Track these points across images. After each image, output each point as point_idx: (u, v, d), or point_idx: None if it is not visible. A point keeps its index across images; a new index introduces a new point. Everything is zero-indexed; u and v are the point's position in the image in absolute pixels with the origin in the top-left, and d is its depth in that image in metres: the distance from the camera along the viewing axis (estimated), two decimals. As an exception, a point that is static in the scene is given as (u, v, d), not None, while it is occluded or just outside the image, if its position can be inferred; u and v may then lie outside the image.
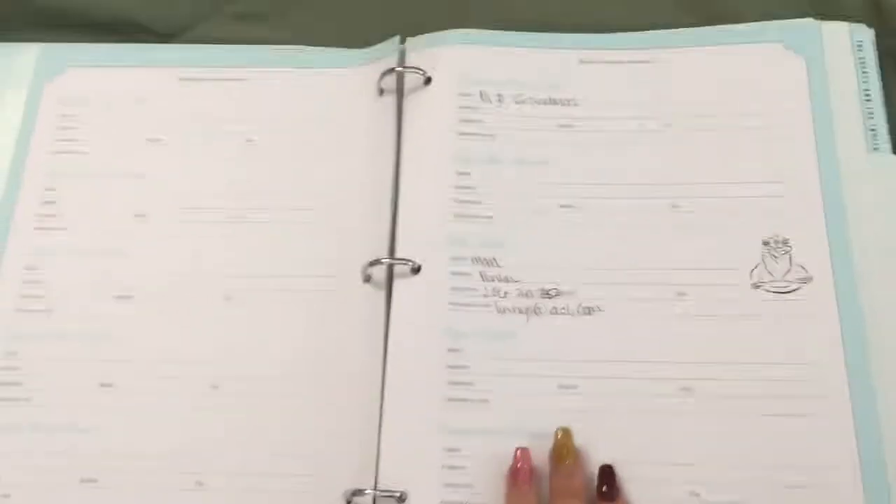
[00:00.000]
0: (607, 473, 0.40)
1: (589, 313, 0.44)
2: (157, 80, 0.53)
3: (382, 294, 0.45)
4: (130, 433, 0.44)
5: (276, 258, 0.48)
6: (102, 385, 0.45)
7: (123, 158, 0.51)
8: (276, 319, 0.46)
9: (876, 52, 0.49)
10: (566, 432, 0.41)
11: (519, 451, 0.40)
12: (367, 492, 0.41)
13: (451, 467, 0.42)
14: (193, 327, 0.46)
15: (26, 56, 0.53)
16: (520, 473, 0.40)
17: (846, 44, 0.49)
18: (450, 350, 0.44)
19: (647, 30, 0.51)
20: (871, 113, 0.47)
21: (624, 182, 0.47)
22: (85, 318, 0.47)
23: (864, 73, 0.48)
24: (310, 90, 0.52)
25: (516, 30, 0.51)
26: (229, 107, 0.52)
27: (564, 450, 0.40)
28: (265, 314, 0.46)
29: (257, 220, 0.49)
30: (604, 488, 0.40)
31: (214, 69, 0.53)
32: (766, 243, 0.44)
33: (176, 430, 0.44)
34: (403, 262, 0.45)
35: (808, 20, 0.49)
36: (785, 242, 0.44)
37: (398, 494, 0.41)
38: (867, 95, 0.47)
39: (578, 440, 0.41)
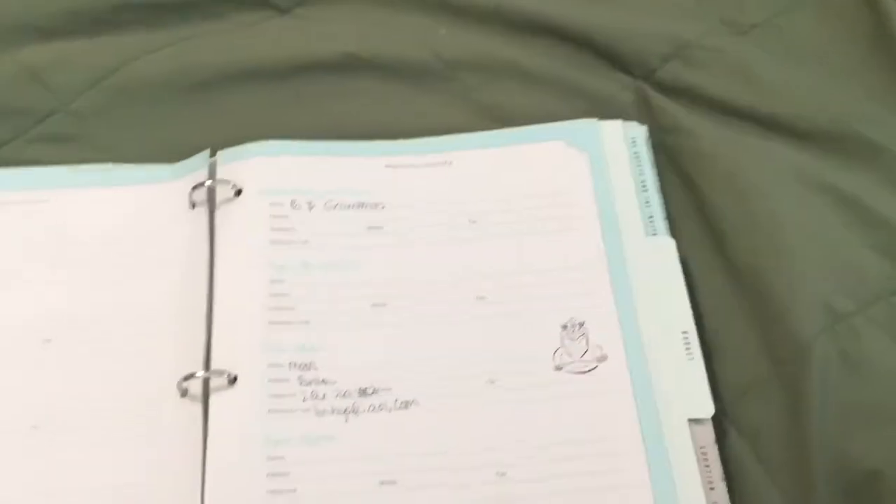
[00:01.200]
0: None
1: (406, 408, 0.46)
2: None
3: (199, 408, 0.45)
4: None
5: (88, 383, 0.47)
6: None
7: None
8: (91, 445, 0.45)
9: (649, 147, 0.54)
10: None
11: None
12: None
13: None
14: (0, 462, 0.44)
15: None
16: None
17: (622, 140, 0.54)
18: (269, 458, 0.44)
19: (445, 134, 0.54)
20: (648, 201, 0.52)
21: (431, 278, 0.49)
22: None
23: (639, 165, 0.53)
24: (119, 208, 0.52)
25: (325, 139, 0.53)
26: (31, 229, 0.51)
27: None
28: (77, 442, 0.45)
29: (67, 346, 0.48)
30: None
31: (15, 192, 0.52)
32: (564, 327, 0.48)
33: None
34: (218, 373, 0.45)
35: (588, 120, 0.54)
36: (581, 325, 0.48)
37: None
38: (644, 186, 0.52)
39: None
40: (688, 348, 0.47)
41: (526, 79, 0.57)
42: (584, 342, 0.47)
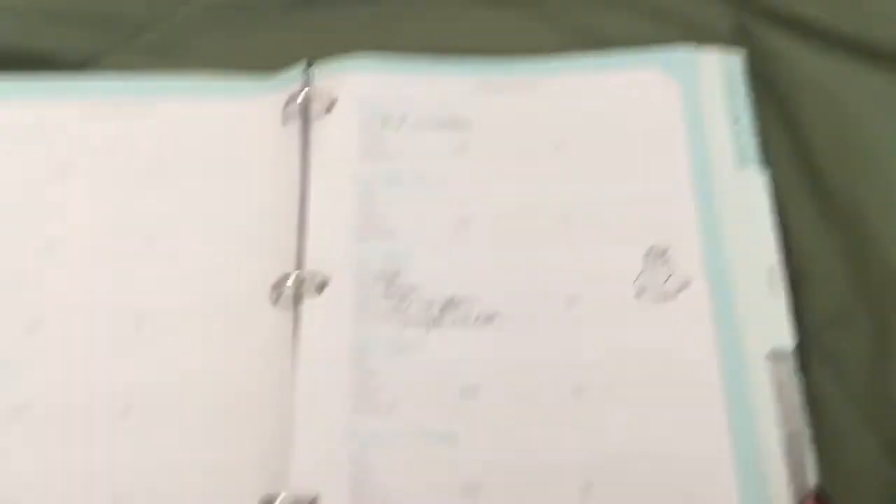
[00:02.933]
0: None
1: (488, 322, 0.47)
2: (61, 112, 0.53)
3: (290, 314, 0.47)
4: (43, 457, 0.45)
5: (186, 283, 0.49)
6: (14, 411, 0.46)
7: (28, 190, 0.51)
8: (187, 343, 0.47)
9: (744, 76, 0.53)
10: None
11: None
12: (280, 497, 0.43)
13: (360, 470, 0.43)
14: (103, 354, 0.47)
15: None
16: None
17: (718, 69, 0.53)
18: (356, 362, 0.46)
19: (533, 55, 0.54)
20: (740, 133, 0.51)
21: (516, 199, 0.50)
22: (-7, 345, 0.47)
23: (733, 96, 0.52)
24: (216, 118, 0.53)
25: (415, 56, 0.54)
26: (134, 138, 0.53)
27: None
28: (175, 338, 0.48)
29: (166, 247, 0.50)
30: None
31: (118, 101, 0.54)
32: (647, 253, 0.48)
33: (89, 453, 0.45)
34: (309, 280, 0.47)
35: (684, 47, 0.53)
36: (664, 252, 0.48)
37: (310, 498, 0.43)
38: (737, 117, 0.51)
39: (482, 439, 0.44)
40: (772, 282, 0.47)
41: (621, 2, 0.57)
42: (666, 269, 0.47)
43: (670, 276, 0.47)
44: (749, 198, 0.49)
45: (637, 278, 0.47)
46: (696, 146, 0.50)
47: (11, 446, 0.45)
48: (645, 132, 0.51)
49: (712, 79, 0.53)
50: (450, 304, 0.47)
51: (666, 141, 0.51)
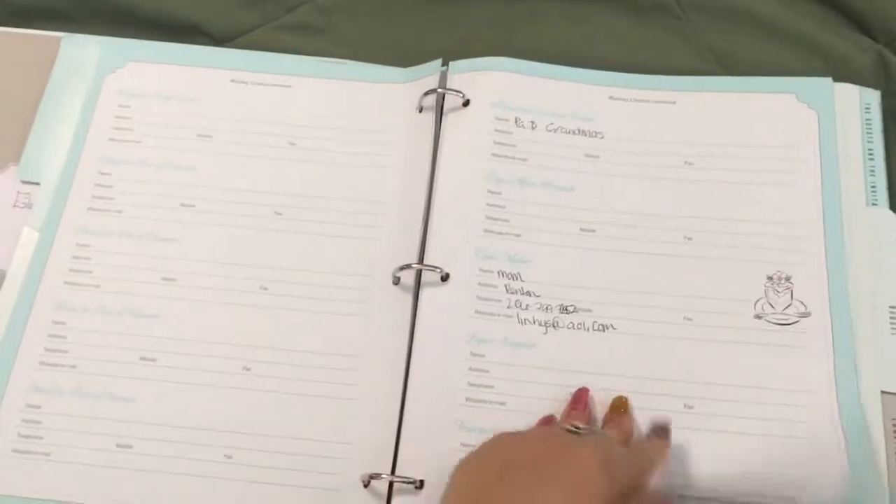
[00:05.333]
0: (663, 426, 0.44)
1: (603, 330, 0.48)
2: (210, 80, 0.56)
3: (409, 298, 0.49)
4: (166, 406, 0.47)
5: (311, 254, 0.51)
6: (143, 359, 0.48)
7: (174, 150, 0.54)
8: (309, 311, 0.49)
9: (881, 114, 0.53)
10: (624, 397, 0.45)
11: (582, 388, 0.45)
12: (383, 476, 0.44)
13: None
14: (230, 312, 0.50)
15: (90, 49, 0.57)
16: (581, 398, 0.45)
17: (856, 104, 0.53)
18: (473, 354, 0.47)
19: (673, 74, 0.54)
20: (873, 170, 0.51)
21: (642, 212, 0.50)
22: (130, 295, 0.50)
23: (868, 133, 0.52)
24: (353, 102, 0.55)
25: (552, 62, 0.55)
26: (275, 111, 0.55)
27: (620, 403, 0.44)
28: (298, 306, 0.50)
29: (296, 218, 0.52)
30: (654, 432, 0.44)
31: (264, 74, 0.56)
32: (770, 278, 0.48)
33: (209, 405, 0.47)
34: (433, 269, 0.49)
35: (823, 79, 0.53)
36: (788, 279, 0.48)
37: (416, 483, 0.44)
38: (871, 154, 0.51)
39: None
40: (893, 323, 0.47)
41: (760, 27, 0.57)
42: (788, 296, 0.48)
43: (790, 303, 0.47)
44: (877, 236, 0.49)
45: (757, 302, 0.48)
46: (827, 177, 0.51)
47: (136, 393, 0.48)
48: (778, 158, 0.51)
49: (849, 112, 0.53)
50: (567, 310, 0.48)
51: (798, 169, 0.51)
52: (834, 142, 0.51)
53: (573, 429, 0.40)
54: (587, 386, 0.46)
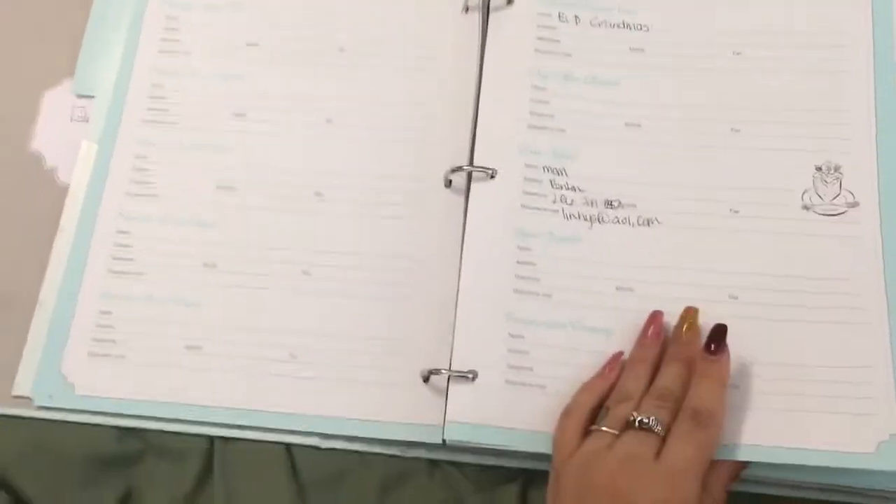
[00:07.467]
0: (719, 331, 0.44)
1: (648, 225, 0.48)
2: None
3: (462, 199, 0.50)
4: (231, 309, 0.50)
5: (364, 160, 0.52)
6: (206, 265, 0.51)
7: (223, 60, 0.55)
8: (364, 216, 0.51)
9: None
10: (695, 311, 0.45)
11: (655, 312, 0.45)
12: (442, 371, 0.46)
13: (516, 351, 0.46)
14: (287, 220, 0.51)
15: (136, -41, 0.57)
16: (654, 323, 0.45)
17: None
18: (519, 248, 0.48)
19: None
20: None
21: (688, 104, 0.50)
22: (189, 204, 0.52)
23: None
24: (399, 4, 0.55)
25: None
26: (322, 17, 0.55)
27: (688, 322, 0.45)
28: (353, 210, 0.51)
29: (347, 124, 0.53)
30: (712, 346, 0.43)
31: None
32: (818, 168, 0.48)
33: (272, 308, 0.50)
34: (482, 169, 0.49)
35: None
36: (837, 169, 0.48)
37: (469, 374, 0.46)
38: (929, 45, 0.50)
39: (634, 335, 0.46)
40: (944, 212, 0.47)
41: None
42: (837, 186, 0.47)
43: (839, 193, 0.47)
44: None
45: (805, 193, 0.48)
46: (881, 68, 0.49)
47: (202, 298, 0.50)
48: (828, 45, 0.50)
49: (903, 0, 0.51)
50: (612, 204, 0.49)
51: (849, 56, 0.50)
52: (889, 26, 0.50)
53: (645, 422, 0.41)
54: (641, 289, 0.46)
